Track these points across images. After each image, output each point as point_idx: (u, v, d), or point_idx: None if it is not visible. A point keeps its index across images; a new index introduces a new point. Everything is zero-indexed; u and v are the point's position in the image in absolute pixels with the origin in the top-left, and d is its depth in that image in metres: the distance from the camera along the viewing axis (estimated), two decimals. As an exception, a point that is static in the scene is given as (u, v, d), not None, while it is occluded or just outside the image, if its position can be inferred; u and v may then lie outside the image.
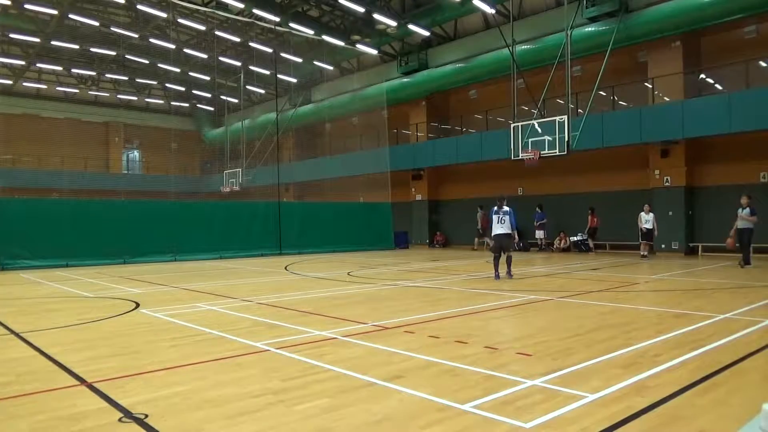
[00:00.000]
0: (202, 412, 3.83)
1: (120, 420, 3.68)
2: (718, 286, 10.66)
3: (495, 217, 12.53)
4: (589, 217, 21.02)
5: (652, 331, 6.44)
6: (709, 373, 4.64)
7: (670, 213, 19.43)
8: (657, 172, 19.99)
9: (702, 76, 20.14)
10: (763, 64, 18.79)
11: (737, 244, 14.58)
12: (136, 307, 8.78)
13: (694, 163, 19.67)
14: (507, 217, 12.37)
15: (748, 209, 14.29)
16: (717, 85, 20.10)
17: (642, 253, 17.65)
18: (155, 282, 12.68)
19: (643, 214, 17.19)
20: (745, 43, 18.79)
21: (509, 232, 12.39)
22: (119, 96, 39.70)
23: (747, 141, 17.88)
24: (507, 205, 12.58)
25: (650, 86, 20.21)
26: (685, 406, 3.85)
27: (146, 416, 3.72)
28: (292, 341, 6.07)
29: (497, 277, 12.33)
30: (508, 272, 12.55)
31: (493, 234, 12.61)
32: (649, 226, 17.30)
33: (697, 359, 5.12)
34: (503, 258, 12.47)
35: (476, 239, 24.72)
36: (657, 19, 18.87)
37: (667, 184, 19.70)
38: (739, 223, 14.39)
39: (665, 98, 20.04)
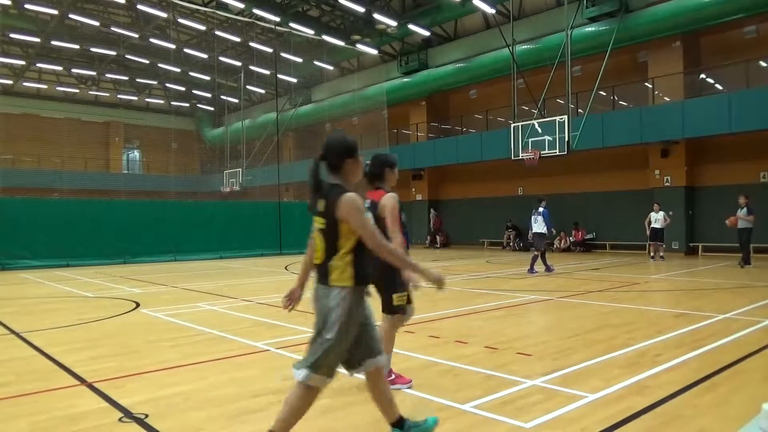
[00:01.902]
0: (202, 412, 3.83)
1: (120, 420, 3.68)
2: (718, 286, 10.66)
3: (532, 218, 13.72)
4: (573, 232, 22.11)
5: (653, 330, 6.44)
6: (709, 373, 4.64)
7: (671, 213, 19.34)
8: (657, 172, 19.97)
9: (702, 76, 20.13)
10: (763, 64, 18.77)
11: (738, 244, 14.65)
12: (136, 307, 8.78)
13: (694, 163, 19.66)
14: (540, 218, 13.49)
15: (745, 209, 14.30)
16: (717, 85, 20.08)
17: (652, 254, 17.33)
18: (155, 282, 12.68)
19: (653, 213, 16.86)
20: (745, 43, 18.77)
21: (541, 231, 13.50)
22: (119, 96, 39.70)
23: (747, 141, 17.87)
24: (545, 207, 13.73)
25: (650, 86, 20.20)
26: (686, 406, 3.85)
27: (146, 416, 3.73)
28: (292, 341, 6.07)
29: (549, 269, 13.50)
30: (531, 269, 13.54)
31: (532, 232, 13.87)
32: (658, 225, 16.80)
33: (697, 359, 5.13)
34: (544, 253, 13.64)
35: (428, 238, 26.42)
36: (657, 19, 18.84)
37: (667, 184, 19.69)
38: (739, 223, 14.40)
39: (665, 98, 20.02)
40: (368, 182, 4.24)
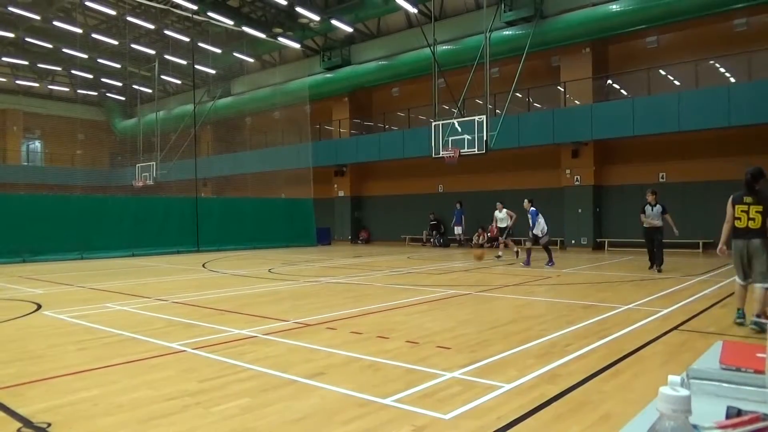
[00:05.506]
0: (112, 418, 3.62)
1: (19, 431, 3.41)
2: (622, 279, 11.39)
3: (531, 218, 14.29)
4: (490, 228, 22.46)
5: (563, 322, 6.78)
6: (614, 360, 4.94)
7: (580, 210, 20.55)
8: (568, 171, 21.06)
9: (609, 81, 21.42)
10: (663, 72, 20.24)
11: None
12: (37, 309, 8.17)
13: (602, 164, 20.90)
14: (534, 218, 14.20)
15: (659, 206, 12.44)
16: (622, 91, 21.43)
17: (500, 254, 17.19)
18: (59, 282, 11.87)
19: (496, 212, 16.42)
20: (647, 52, 20.16)
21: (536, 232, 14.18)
22: (18, 81, 36.74)
23: (648, 143, 19.24)
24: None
25: (562, 89, 21.25)
26: (593, 392, 4.08)
27: (49, 425, 3.47)
28: (209, 341, 5.87)
29: (528, 263, 14.53)
30: (550, 261, 14.33)
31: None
32: (503, 225, 16.37)
33: (603, 348, 5.45)
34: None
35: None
36: (569, 26, 19.85)
37: (577, 182, 20.80)
38: (647, 223, 12.60)
39: (576, 101, 21.14)
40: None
